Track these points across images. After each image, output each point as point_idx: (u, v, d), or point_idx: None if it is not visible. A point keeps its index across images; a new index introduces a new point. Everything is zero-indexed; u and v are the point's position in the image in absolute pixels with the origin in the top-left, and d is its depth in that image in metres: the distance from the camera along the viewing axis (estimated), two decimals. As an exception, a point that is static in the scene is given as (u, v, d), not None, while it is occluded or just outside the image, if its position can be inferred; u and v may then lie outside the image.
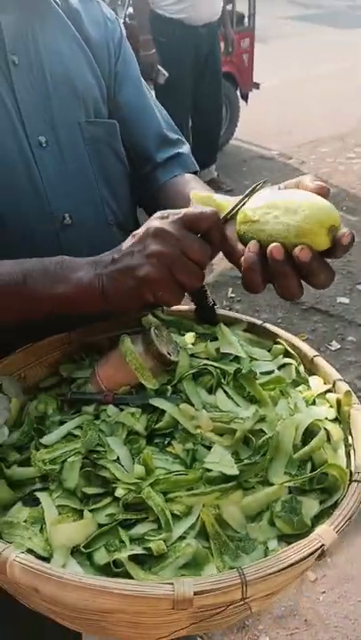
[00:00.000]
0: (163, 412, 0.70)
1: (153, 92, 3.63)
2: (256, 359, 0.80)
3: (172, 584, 0.49)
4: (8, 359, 0.81)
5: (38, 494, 0.61)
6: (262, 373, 0.77)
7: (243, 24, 4.56)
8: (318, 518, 0.60)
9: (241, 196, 0.66)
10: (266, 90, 5.06)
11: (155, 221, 0.63)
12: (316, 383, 0.75)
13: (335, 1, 12.11)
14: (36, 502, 0.61)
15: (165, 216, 0.63)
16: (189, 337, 0.83)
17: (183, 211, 0.63)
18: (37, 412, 0.76)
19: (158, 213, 0.64)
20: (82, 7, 0.83)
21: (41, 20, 0.76)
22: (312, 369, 0.78)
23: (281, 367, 0.78)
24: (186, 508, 0.59)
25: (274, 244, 0.58)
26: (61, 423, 0.73)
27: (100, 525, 0.58)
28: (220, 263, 3.19)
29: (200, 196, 0.72)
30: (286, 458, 0.63)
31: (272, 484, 0.61)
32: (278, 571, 0.50)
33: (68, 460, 0.63)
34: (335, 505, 0.60)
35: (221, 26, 3.71)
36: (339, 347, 2.61)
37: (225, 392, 0.72)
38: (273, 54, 7.01)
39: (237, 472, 0.61)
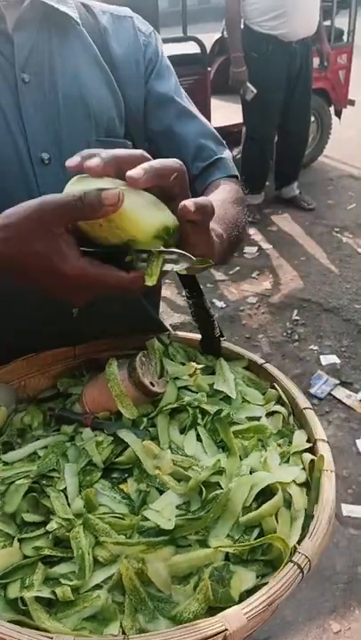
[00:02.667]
0: (128, 445, 0.68)
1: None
2: (248, 401, 0.75)
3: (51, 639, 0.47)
4: (8, 367, 0.83)
5: (-23, 512, 0.61)
6: (248, 418, 0.72)
7: (341, 40, 4.36)
8: (252, 593, 0.54)
9: None
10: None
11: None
12: (299, 438, 0.68)
13: None
14: (-23, 519, 0.62)
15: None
16: (189, 367, 0.80)
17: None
18: (21, 424, 0.77)
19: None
20: (112, 25, 0.82)
21: (60, 39, 0.76)
22: (302, 421, 0.71)
23: (270, 414, 0.73)
24: (111, 556, 0.56)
25: None
26: (38, 438, 0.73)
27: (25, 557, 0.57)
28: (287, 284, 3.10)
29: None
30: (233, 519, 0.58)
31: (209, 547, 0.56)
32: (169, 648, 0.46)
33: (16, 482, 0.63)
34: (271, 583, 0.54)
35: (317, 41, 3.56)
36: None
37: (197, 434, 0.69)
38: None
39: (172, 527, 0.56)
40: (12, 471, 0.65)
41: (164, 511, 0.59)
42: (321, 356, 2.54)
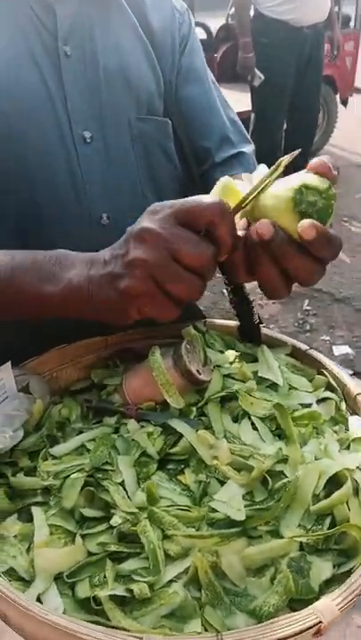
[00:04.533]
0: (181, 435, 0.65)
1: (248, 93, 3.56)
2: (295, 388, 0.73)
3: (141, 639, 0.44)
4: (40, 358, 0.79)
5: (33, 509, 0.58)
6: (298, 405, 0.70)
7: (348, 26, 4.36)
8: (329, 584, 0.53)
9: (259, 181, 0.53)
10: (368, 95, 4.83)
11: (143, 218, 0.52)
12: (356, 424, 0.67)
13: None
14: (31, 516, 0.59)
15: (157, 210, 0.51)
16: (230, 355, 0.78)
17: (179, 202, 0.51)
18: (60, 417, 0.74)
19: (150, 207, 0.53)
20: None
21: (101, 10, 0.73)
22: (355, 408, 0.70)
23: (320, 401, 0.71)
24: (182, 550, 0.54)
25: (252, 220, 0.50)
26: (80, 432, 0.70)
27: (90, 554, 0.55)
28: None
29: (218, 185, 0.58)
30: (303, 508, 0.56)
31: (282, 537, 0.55)
32: (266, 643, 0.44)
33: (71, 476, 0.60)
34: (350, 572, 0.52)
35: (328, 28, 3.55)
36: None
37: (251, 422, 0.67)
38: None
39: (244, 517, 0.55)
40: (63, 465, 0.62)
41: (231, 502, 0.57)
42: (333, 347, 2.54)
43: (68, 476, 0.61)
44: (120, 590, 0.51)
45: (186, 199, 0.51)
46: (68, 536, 0.56)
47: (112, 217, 0.76)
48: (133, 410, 0.71)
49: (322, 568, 0.53)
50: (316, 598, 0.51)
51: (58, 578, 0.53)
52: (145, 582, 0.51)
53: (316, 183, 0.51)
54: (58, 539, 0.56)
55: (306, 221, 0.48)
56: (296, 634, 0.45)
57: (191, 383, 0.71)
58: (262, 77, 3.31)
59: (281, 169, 0.53)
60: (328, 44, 3.70)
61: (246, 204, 0.54)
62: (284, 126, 3.73)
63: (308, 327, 2.68)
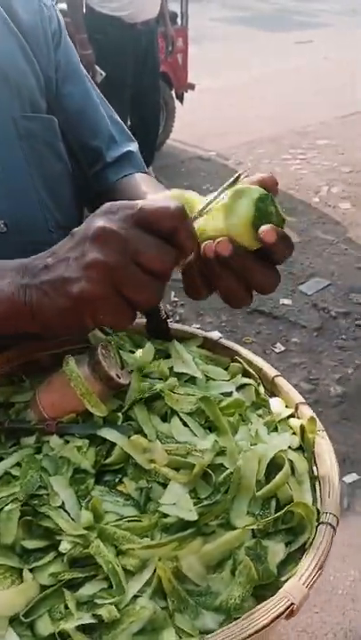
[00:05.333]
0: (112, 444, 0.63)
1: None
2: (213, 379, 0.74)
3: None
4: None
5: (-30, 553, 0.53)
6: (220, 395, 0.71)
7: (176, 23, 4.50)
8: (284, 564, 0.54)
9: (216, 192, 0.55)
10: (201, 91, 5.05)
11: (98, 218, 0.49)
12: (277, 406, 0.70)
13: (262, 4, 12.23)
14: (-34, 561, 0.53)
15: (114, 210, 0.49)
16: (146, 352, 0.76)
17: (139, 203, 0.49)
18: (-34, 446, 0.67)
19: (105, 206, 0.50)
20: None
21: None
22: (273, 390, 0.73)
23: (239, 388, 0.73)
24: (140, 562, 0.52)
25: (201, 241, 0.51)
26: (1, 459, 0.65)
27: (43, 587, 0.51)
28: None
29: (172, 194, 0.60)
30: (249, 496, 0.58)
31: (234, 528, 0.55)
32: (247, 638, 0.45)
33: (5, 509, 0.55)
34: (303, 548, 0.55)
35: (161, 24, 3.64)
36: (283, 349, 2.61)
37: (180, 419, 0.66)
38: (207, 56, 7.00)
39: (197, 517, 0.54)
40: (-9, 498, 0.57)
41: (180, 503, 0.56)
42: (205, 333, 2.63)
43: (1, 509, 0.55)
44: (87, 618, 0.48)
45: (144, 201, 0.49)
46: (14, 573, 0.52)
47: (9, 223, 0.71)
48: (54, 425, 0.67)
49: (276, 550, 0.54)
50: (277, 580, 0.52)
51: (13, 620, 0.49)
52: (110, 604, 0.48)
53: (266, 193, 0.52)
54: (4, 578, 0.51)
55: (266, 227, 0.49)
56: (272, 621, 0.46)
57: (111, 388, 0.68)
58: (103, 74, 3.31)
59: (238, 181, 0.54)
60: (162, 40, 3.78)
61: (202, 213, 0.54)
62: (129, 122, 3.77)
63: (178, 318, 2.75)
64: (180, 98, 4.67)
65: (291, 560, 0.55)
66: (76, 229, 0.51)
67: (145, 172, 0.87)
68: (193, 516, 0.54)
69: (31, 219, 0.73)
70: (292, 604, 0.47)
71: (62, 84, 0.79)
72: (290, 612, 0.47)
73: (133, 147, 0.86)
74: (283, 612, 0.46)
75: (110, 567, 0.50)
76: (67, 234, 0.79)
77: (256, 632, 0.44)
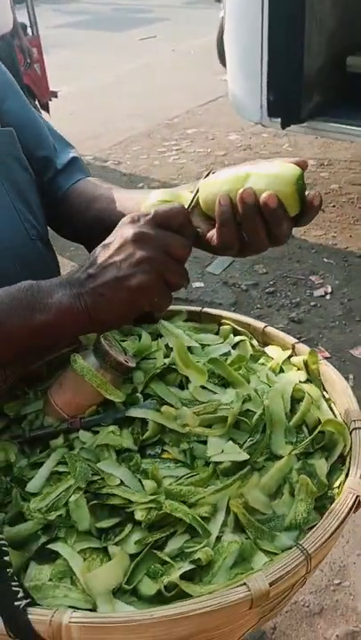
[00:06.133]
0: (142, 421, 0.67)
1: None
2: (208, 344, 0.79)
3: (244, 584, 0.47)
4: None
5: (53, 547, 0.55)
6: (220, 356, 0.76)
7: (27, 33, 4.46)
8: (330, 475, 0.61)
9: (197, 183, 0.66)
10: (64, 98, 5.02)
11: (127, 227, 0.60)
12: (275, 352, 0.76)
13: (99, 6, 12.33)
14: (49, 556, 0.55)
15: (136, 219, 0.60)
16: (145, 337, 0.80)
17: (152, 210, 0.61)
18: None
19: (127, 218, 0.61)
20: None
21: None
22: (265, 340, 0.79)
23: (235, 346, 0.79)
24: (211, 508, 0.57)
25: (245, 188, 0.59)
26: (34, 466, 0.66)
27: (133, 556, 0.54)
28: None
29: (162, 199, 0.70)
30: (283, 428, 0.64)
31: (279, 457, 0.61)
32: (333, 532, 0.51)
33: (70, 500, 0.57)
34: (342, 458, 0.62)
35: (16, 37, 3.60)
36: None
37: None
38: (60, 63, 6.96)
39: (248, 456, 0.60)
40: (52, 495, 0.59)
41: (227, 450, 0.61)
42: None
43: (67, 501, 0.58)
44: (187, 565, 0.52)
45: (156, 207, 0.61)
46: (100, 553, 0.55)
47: None
48: (78, 421, 0.70)
49: (321, 464, 0.61)
50: (330, 490, 0.59)
51: (116, 592, 0.52)
52: (202, 547, 0.53)
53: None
54: (92, 560, 0.54)
55: (314, 192, 0.59)
56: (350, 510, 0.53)
57: (122, 373, 0.72)
58: None
59: (208, 177, 0.65)
60: (19, 53, 3.74)
61: (190, 207, 0.65)
62: None
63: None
64: (46, 107, 4.60)
65: (334, 471, 0.61)
66: (106, 241, 0.61)
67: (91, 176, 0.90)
68: (244, 456, 0.60)
69: (14, 231, 0.75)
70: (357, 496, 0.54)
71: (3, 101, 0.80)
72: (358, 504, 0.54)
73: (75, 152, 0.89)
74: (352, 506, 0.53)
75: (191, 517, 0.55)
76: (43, 241, 0.81)
77: (340, 525, 0.51)
